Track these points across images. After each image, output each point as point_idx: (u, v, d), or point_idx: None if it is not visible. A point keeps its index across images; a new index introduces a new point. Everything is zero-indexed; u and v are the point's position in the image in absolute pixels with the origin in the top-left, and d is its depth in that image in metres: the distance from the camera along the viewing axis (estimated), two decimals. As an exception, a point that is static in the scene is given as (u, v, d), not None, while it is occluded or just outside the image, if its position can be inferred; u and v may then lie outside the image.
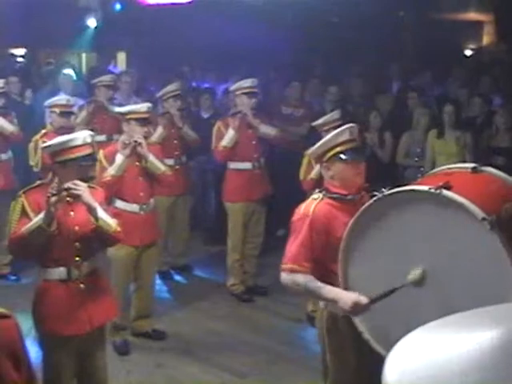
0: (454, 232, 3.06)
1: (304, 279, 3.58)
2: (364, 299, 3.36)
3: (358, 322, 3.49)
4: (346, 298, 3.43)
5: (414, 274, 3.19)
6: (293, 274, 3.61)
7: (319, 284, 3.56)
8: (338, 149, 3.74)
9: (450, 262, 3.09)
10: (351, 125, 3.89)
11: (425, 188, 3.12)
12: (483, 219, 2.91)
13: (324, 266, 3.66)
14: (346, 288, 3.50)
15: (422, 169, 6.99)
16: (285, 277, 3.66)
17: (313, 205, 3.69)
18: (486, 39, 14.12)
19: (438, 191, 3.04)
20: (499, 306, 1.28)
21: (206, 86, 10.14)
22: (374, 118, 7.61)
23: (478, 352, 1.05)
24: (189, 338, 6.15)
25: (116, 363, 5.42)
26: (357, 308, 3.39)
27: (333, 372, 3.89)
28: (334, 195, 3.73)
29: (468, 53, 13.81)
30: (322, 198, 3.72)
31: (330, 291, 3.54)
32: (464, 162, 6.34)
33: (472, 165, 3.54)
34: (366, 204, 3.34)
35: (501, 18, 13.56)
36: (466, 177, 3.45)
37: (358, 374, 3.76)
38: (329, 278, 3.60)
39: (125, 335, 5.94)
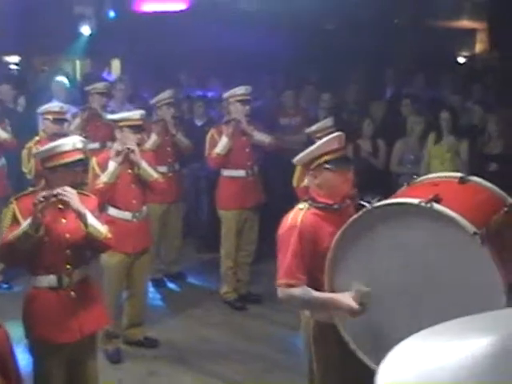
0: (444, 245, 3.05)
1: (300, 292, 3.56)
2: (355, 305, 3.35)
3: (344, 331, 3.47)
4: (345, 305, 3.40)
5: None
6: (289, 289, 3.58)
7: (316, 294, 3.54)
8: (326, 157, 3.71)
9: (439, 274, 3.08)
10: (339, 133, 3.87)
11: (415, 201, 3.10)
12: (474, 233, 2.91)
13: (311, 274, 3.63)
14: None
15: (415, 176, 6.97)
16: (281, 292, 3.63)
17: (300, 215, 3.65)
18: (478, 47, 14.17)
19: (428, 205, 3.02)
20: (491, 313, 1.27)
21: (202, 93, 10.14)
22: (368, 126, 7.62)
23: (470, 359, 1.05)
24: (182, 345, 6.12)
25: (108, 371, 5.38)
26: (355, 313, 3.39)
27: (319, 380, 3.87)
28: (320, 205, 3.69)
29: (461, 60, 13.86)
30: (308, 208, 3.69)
31: (326, 299, 3.52)
32: (456, 167, 6.37)
33: (459, 174, 3.55)
34: (355, 215, 3.32)
35: (494, 26, 13.62)
36: (453, 187, 3.45)
37: (344, 382, 3.74)
38: (315, 287, 3.57)
39: (117, 343, 5.91)
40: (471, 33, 14.30)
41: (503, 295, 2.83)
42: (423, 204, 3.03)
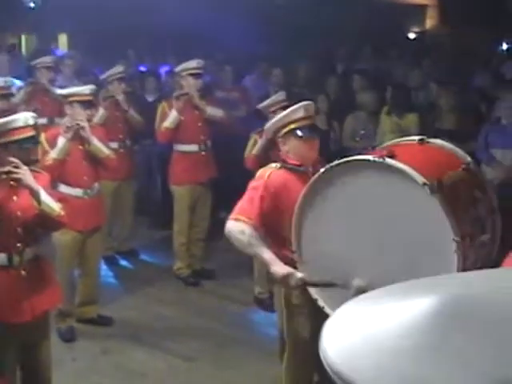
0: (398, 198, 3.19)
1: (249, 230, 3.65)
2: (299, 276, 3.49)
3: (312, 289, 3.58)
4: (281, 267, 3.55)
5: (359, 282, 3.28)
6: (240, 223, 3.68)
7: (261, 249, 3.64)
8: (293, 126, 3.91)
9: (395, 226, 3.21)
10: (307, 102, 4.07)
11: (369, 157, 3.25)
12: (424, 184, 3.03)
13: (277, 233, 3.77)
14: (299, 253, 3.57)
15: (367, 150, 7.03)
16: (230, 224, 3.71)
17: (269, 171, 3.85)
18: (429, 23, 14.29)
19: (380, 159, 3.16)
20: (436, 277, 1.32)
21: (153, 68, 10.01)
22: (322, 102, 7.61)
23: (412, 318, 1.08)
24: (136, 323, 6.08)
25: (61, 350, 5.33)
26: (286, 280, 3.52)
27: (289, 339, 3.99)
28: (289, 165, 3.88)
29: (411, 36, 13.98)
30: (280, 168, 3.87)
31: (268, 252, 3.62)
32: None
33: (419, 137, 3.68)
34: (316, 174, 3.45)
35: (444, 2, 13.74)
36: (412, 148, 3.61)
37: (315, 341, 3.78)
38: (282, 245, 3.72)
39: (70, 322, 5.83)
40: (421, 9, 14.40)
41: (453, 243, 2.97)
42: (377, 159, 3.17)
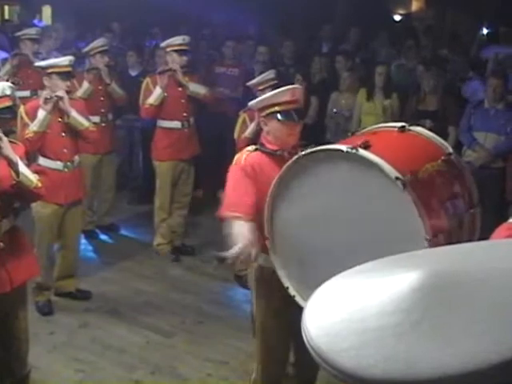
0: (370, 190, 3.11)
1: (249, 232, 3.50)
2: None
3: (284, 277, 3.51)
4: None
5: None
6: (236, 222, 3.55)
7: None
8: (277, 108, 3.83)
9: (367, 219, 3.13)
10: (295, 86, 4.04)
11: (342, 147, 3.16)
12: (397, 179, 2.94)
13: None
14: (271, 239, 3.51)
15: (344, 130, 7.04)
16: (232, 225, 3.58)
17: (245, 154, 3.78)
18: (414, 5, 14.26)
19: (354, 150, 3.07)
20: (417, 252, 1.30)
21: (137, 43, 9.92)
22: (297, 81, 7.57)
23: (395, 294, 1.06)
24: (114, 297, 6.08)
25: (39, 324, 5.32)
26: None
27: (258, 324, 3.93)
28: (266, 150, 3.81)
29: (397, 18, 13.95)
30: (255, 150, 3.81)
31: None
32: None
33: (400, 124, 3.58)
34: (288, 162, 3.38)
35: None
36: (391, 136, 3.50)
37: (283, 328, 3.79)
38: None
39: (48, 295, 5.82)
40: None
41: (425, 241, 2.88)
42: (349, 150, 3.09)
